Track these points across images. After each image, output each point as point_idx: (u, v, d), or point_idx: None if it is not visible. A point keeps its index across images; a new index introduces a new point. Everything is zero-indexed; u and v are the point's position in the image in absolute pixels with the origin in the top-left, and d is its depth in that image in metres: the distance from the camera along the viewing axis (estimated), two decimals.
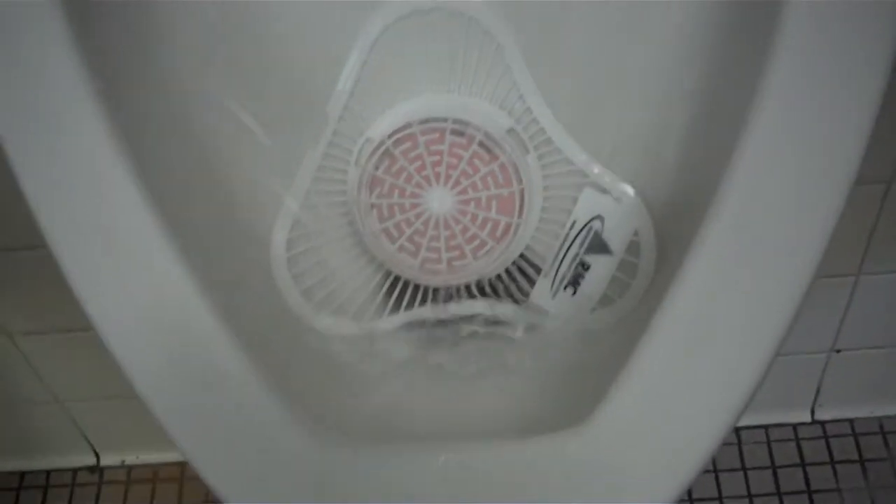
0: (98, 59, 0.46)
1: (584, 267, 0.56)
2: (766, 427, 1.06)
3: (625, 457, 0.40)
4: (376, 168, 0.55)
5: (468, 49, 0.55)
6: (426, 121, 0.54)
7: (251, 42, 0.55)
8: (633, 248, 0.56)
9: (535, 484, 0.40)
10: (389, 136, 0.55)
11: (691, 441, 0.40)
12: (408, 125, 0.55)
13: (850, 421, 1.06)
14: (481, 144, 0.54)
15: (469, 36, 0.54)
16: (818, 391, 1.03)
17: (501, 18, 0.54)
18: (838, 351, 0.97)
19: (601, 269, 0.56)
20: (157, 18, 0.52)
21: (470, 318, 0.58)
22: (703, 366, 0.40)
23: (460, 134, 0.54)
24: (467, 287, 0.58)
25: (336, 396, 0.53)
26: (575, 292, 0.57)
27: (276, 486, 0.40)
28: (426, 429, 0.49)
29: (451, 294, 0.58)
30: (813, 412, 1.06)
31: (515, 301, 0.58)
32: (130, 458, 1.12)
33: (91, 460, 1.12)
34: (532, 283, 0.57)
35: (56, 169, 0.44)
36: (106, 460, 1.13)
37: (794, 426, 1.06)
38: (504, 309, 0.58)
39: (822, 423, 1.06)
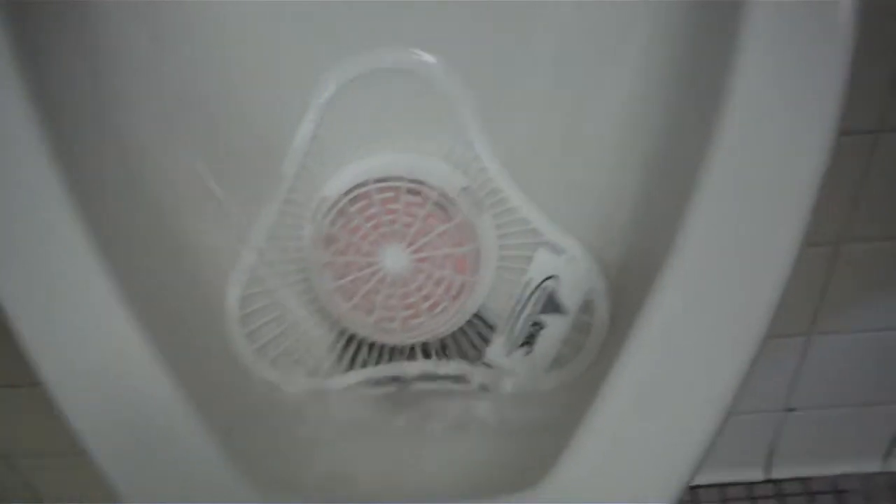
0: (52, 115, 0.45)
1: (539, 326, 0.57)
2: (720, 486, 1.06)
3: None
4: (332, 225, 0.55)
5: (424, 109, 0.55)
6: (382, 179, 0.55)
7: (207, 101, 0.55)
8: (588, 307, 0.56)
9: None
10: (345, 194, 0.55)
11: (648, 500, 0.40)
12: (363, 183, 0.55)
13: (805, 479, 1.06)
14: (436, 204, 0.54)
15: (424, 97, 0.55)
16: (772, 450, 1.03)
17: (457, 81, 0.54)
18: (792, 410, 0.98)
19: (555, 328, 0.57)
20: (114, 79, 0.52)
21: (424, 377, 0.58)
22: (655, 428, 0.41)
23: (416, 193, 0.54)
24: (422, 346, 0.58)
25: (286, 456, 0.52)
26: (529, 351, 0.57)
27: None
28: (378, 490, 0.49)
29: (406, 353, 0.58)
30: (767, 470, 1.06)
31: (470, 360, 0.58)
32: None
33: None
34: (487, 341, 0.57)
35: (5, 224, 0.44)
36: None
37: (749, 485, 1.06)
38: (458, 368, 0.58)
39: (777, 482, 1.06)
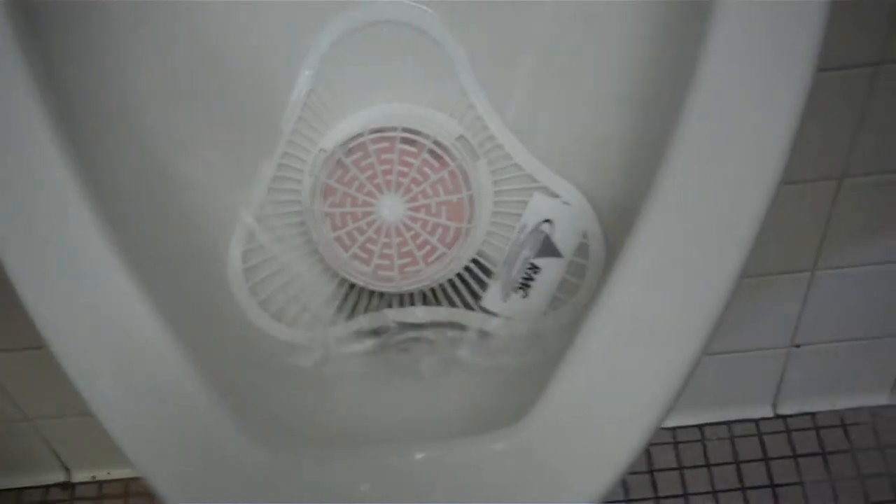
0: (51, 75, 0.46)
1: (535, 270, 0.58)
2: (728, 423, 1.08)
3: (555, 455, 0.41)
4: (329, 177, 0.56)
5: (417, 59, 0.56)
6: (377, 130, 0.55)
7: (204, 59, 0.55)
8: (583, 250, 0.57)
9: (466, 483, 0.41)
10: (341, 146, 0.55)
11: (620, 438, 0.41)
12: (359, 135, 0.55)
13: (812, 415, 1.07)
14: (431, 152, 0.55)
15: (418, 46, 0.55)
16: (779, 386, 1.04)
17: (449, 29, 0.54)
18: (798, 346, 0.99)
19: (551, 272, 0.57)
20: (113, 37, 0.53)
21: (423, 324, 0.59)
22: (632, 365, 0.42)
23: (410, 142, 0.55)
24: (421, 292, 0.59)
25: (292, 403, 0.54)
26: (526, 295, 0.58)
27: (223, 492, 0.41)
28: (378, 432, 0.50)
29: (405, 300, 0.59)
30: (775, 407, 1.08)
31: (468, 305, 0.59)
32: (101, 474, 1.12)
33: (62, 477, 1.13)
34: (484, 287, 0.58)
35: (8, 192, 0.45)
36: (77, 477, 1.13)
37: (757, 421, 1.08)
38: (457, 313, 0.59)
39: (784, 418, 1.08)
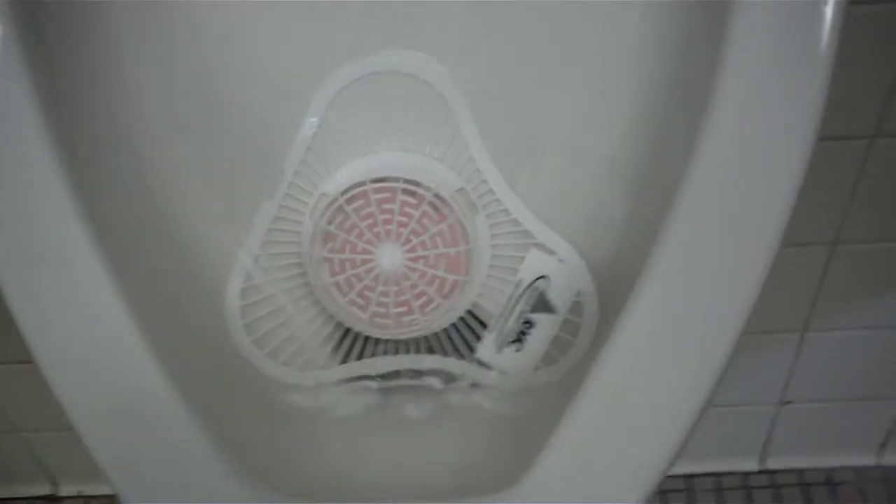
0: (60, 114, 0.47)
1: (529, 325, 0.58)
2: (716, 475, 1.08)
3: None
4: (329, 223, 0.56)
5: (421, 111, 0.56)
6: (379, 179, 0.56)
7: (211, 100, 0.56)
8: (577, 308, 0.58)
9: None
10: (343, 193, 0.56)
11: (623, 495, 0.42)
12: (361, 183, 0.56)
13: (799, 471, 1.07)
14: (431, 204, 0.56)
15: (422, 98, 0.56)
16: (768, 441, 1.05)
17: (454, 84, 0.55)
18: (787, 402, 0.99)
19: (545, 327, 0.58)
20: (121, 74, 0.54)
21: (417, 372, 0.59)
22: (631, 424, 0.42)
23: (411, 193, 0.56)
24: (415, 341, 0.59)
25: (282, 444, 0.54)
26: (520, 349, 0.58)
27: None
28: (367, 485, 0.51)
29: (400, 347, 0.60)
30: (763, 461, 1.08)
31: (462, 355, 0.59)
32: (88, 489, 1.12)
33: (48, 490, 1.12)
34: (478, 338, 0.59)
35: (5, 210, 0.45)
36: (64, 490, 1.13)
37: (744, 475, 1.08)
38: (450, 363, 0.59)
39: (772, 473, 1.08)
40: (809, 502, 1.06)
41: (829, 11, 0.42)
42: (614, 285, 0.56)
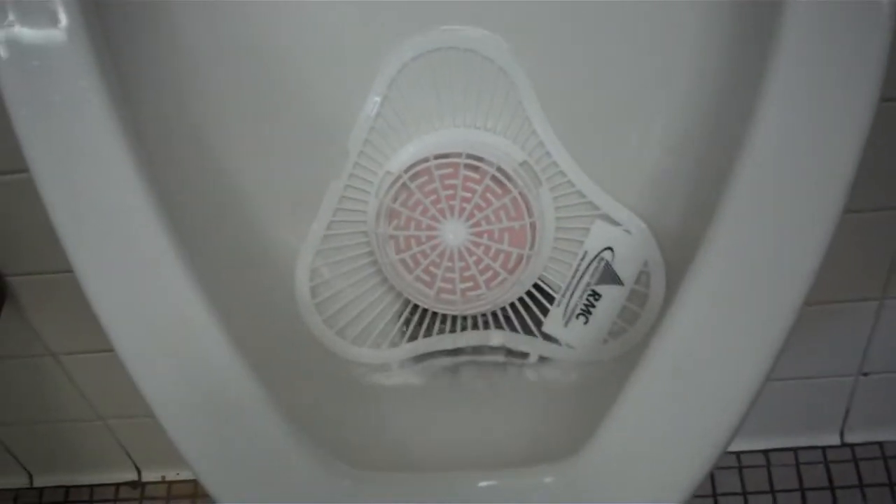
0: (130, 106, 0.48)
1: (596, 297, 0.58)
2: (795, 450, 1.06)
3: (616, 485, 0.41)
4: (394, 200, 0.57)
5: (483, 86, 0.56)
6: (441, 155, 0.56)
7: (275, 82, 0.57)
8: (644, 278, 0.57)
9: None
10: (406, 170, 0.57)
11: (683, 465, 0.42)
12: (424, 159, 0.56)
13: (880, 444, 1.05)
14: (494, 178, 0.56)
15: (483, 73, 0.56)
16: (847, 414, 1.03)
17: (515, 57, 0.55)
18: (866, 374, 0.97)
19: (612, 299, 0.58)
20: (186, 63, 0.55)
21: (484, 347, 0.60)
22: (695, 391, 0.42)
23: (474, 168, 0.56)
24: (482, 316, 0.60)
25: (354, 422, 0.55)
26: (587, 322, 0.58)
27: None
28: (438, 456, 0.51)
29: (467, 323, 0.60)
30: (842, 435, 1.06)
31: (529, 330, 0.60)
32: (171, 475, 1.16)
33: (133, 476, 1.16)
34: (545, 312, 0.59)
35: (83, 202, 0.46)
36: (147, 476, 1.16)
37: (823, 449, 1.06)
38: (517, 338, 0.60)
39: (852, 446, 1.06)
40: (891, 477, 1.04)
41: None
42: (681, 253, 0.56)
